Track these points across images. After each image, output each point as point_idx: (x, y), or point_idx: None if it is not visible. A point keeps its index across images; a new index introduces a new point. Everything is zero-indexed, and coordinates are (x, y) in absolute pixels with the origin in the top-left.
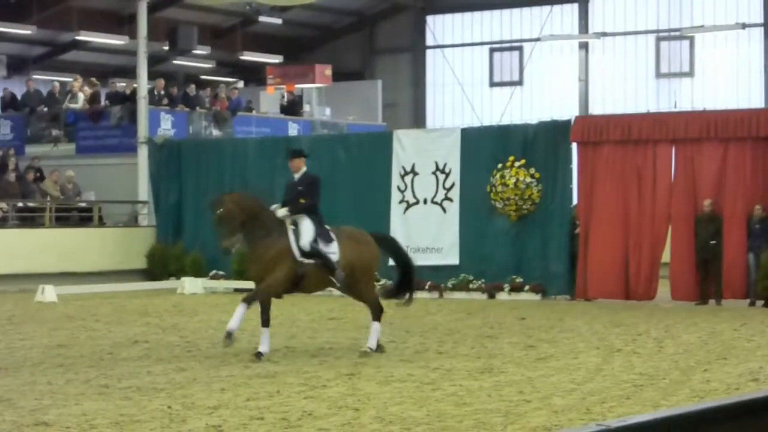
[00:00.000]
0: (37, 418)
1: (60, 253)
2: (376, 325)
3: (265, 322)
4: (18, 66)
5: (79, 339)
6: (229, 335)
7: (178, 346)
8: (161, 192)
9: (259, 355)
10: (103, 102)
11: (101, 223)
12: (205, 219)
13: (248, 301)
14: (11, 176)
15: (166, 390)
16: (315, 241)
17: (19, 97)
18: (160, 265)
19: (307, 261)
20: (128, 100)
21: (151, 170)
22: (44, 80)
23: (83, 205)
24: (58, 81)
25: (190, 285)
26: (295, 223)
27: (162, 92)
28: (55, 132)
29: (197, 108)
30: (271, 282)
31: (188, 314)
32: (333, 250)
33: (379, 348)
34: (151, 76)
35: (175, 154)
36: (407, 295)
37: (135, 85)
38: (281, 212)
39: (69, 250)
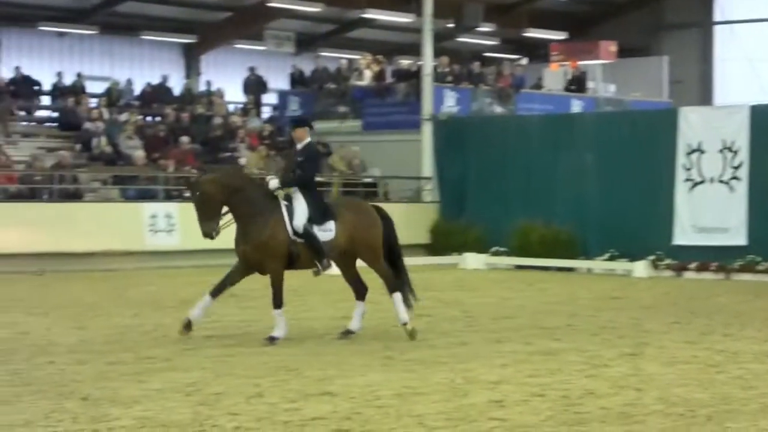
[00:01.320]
0: (322, 387)
1: None
2: (397, 296)
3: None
4: (306, 43)
5: None
6: (272, 339)
7: (459, 321)
8: (445, 168)
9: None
10: (389, 79)
11: (386, 198)
12: (488, 195)
13: (278, 306)
14: None
15: (448, 363)
16: (309, 221)
17: (307, 74)
18: (443, 241)
19: (300, 240)
20: (413, 77)
21: (435, 146)
22: (330, 57)
23: (369, 180)
24: (344, 58)
25: (472, 261)
26: (289, 200)
27: (446, 69)
28: (342, 108)
29: (481, 85)
30: (276, 266)
31: (469, 289)
32: (329, 228)
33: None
34: (436, 53)
35: (458, 131)
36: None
37: (420, 63)
38: (273, 183)
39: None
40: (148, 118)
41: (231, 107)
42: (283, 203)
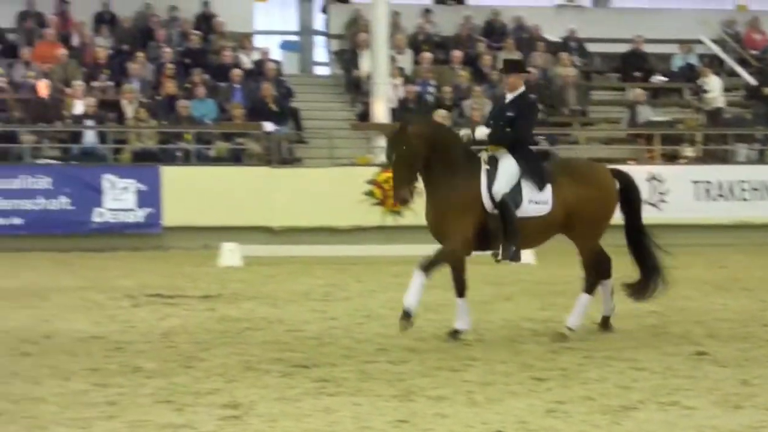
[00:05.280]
0: None
1: None
2: (584, 298)
3: (460, 291)
4: None
5: None
6: (407, 315)
7: None
8: None
9: (455, 334)
10: None
11: None
12: None
13: (426, 269)
14: None
15: None
16: (514, 191)
17: None
18: None
19: (496, 212)
20: None
21: None
22: None
23: None
24: None
25: None
26: (493, 162)
27: None
28: None
29: None
30: (455, 241)
31: None
32: (545, 199)
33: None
34: None
35: None
36: (644, 291)
37: None
38: (481, 131)
39: None
40: None
41: None
42: (485, 167)
